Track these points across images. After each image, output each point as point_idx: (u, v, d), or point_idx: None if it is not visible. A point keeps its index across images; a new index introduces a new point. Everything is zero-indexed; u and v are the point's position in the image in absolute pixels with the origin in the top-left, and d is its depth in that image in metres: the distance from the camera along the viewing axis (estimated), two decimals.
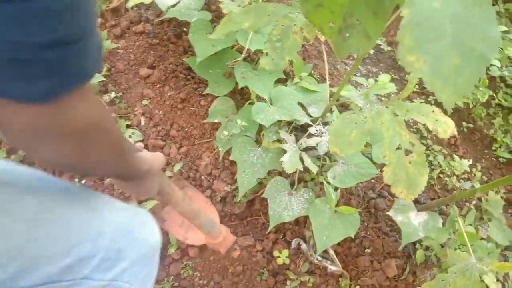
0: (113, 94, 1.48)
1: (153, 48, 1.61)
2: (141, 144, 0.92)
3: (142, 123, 1.48)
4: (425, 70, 0.41)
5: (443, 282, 1.12)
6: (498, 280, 1.43)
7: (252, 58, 1.57)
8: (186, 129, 1.49)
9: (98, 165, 0.56)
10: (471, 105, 1.94)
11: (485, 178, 1.83)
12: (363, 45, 0.51)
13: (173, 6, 1.50)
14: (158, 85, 1.54)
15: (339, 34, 0.54)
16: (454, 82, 0.41)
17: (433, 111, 1.01)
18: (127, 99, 1.50)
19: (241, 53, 1.43)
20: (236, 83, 1.40)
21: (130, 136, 1.42)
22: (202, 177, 1.45)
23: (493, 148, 1.93)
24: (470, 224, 1.38)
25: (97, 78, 1.44)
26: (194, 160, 1.46)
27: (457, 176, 1.75)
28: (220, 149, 1.39)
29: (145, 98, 1.51)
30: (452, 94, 0.42)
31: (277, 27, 0.90)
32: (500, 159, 1.91)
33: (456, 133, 1.00)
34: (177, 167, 1.42)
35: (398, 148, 0.97)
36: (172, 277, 1.39)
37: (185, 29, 1.68)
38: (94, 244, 0.62)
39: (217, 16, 1.58)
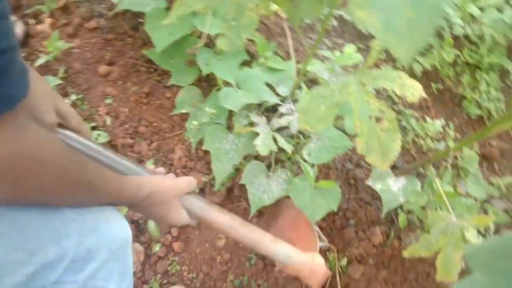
0: (73, 97, 1.42)
1: (110, 43, 1.54)
2: (160, 169, 0.83)
3: (108, 123, 1.43)
4: (378, 26, 0.39)
5: (426, 243, 1.14)
6: (480, 232, 1.47)
7: (213, 43, 1.52)
8: (155, 124, 1.44)
9: (46, 199, 0.53)
10: (438, 66, 1.95)
11: (458, 136, 1.86)
12: (315, 9, 0.48)
13: None
14: (120, 82, 1.48)
15: (291, 1, 0.51)
16: (409, 36, 0.39)
17: (399, 76, 0.99)
18: (89, 100, 1.44)
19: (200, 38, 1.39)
20: (200, 71, 1.36)
21: (96, 138, 1.37)
22: (178, 171, 1.41)
23: (464, 105, 1.96)
24: (448, 183, 1.40)
25: (54, 81, 1.38)
26: (166, 155, 1.42)
27: (431, 137, 1.77)
28: (191, 140, 1.36)
29: (108, 96, 1.45)
30: (407, 49, 0.40)
31: (232, 5, 0.86)
32: (471, 116, 1.94)
33: (424, 95, 1.00)
34: (149, 164, 1.38)
35: (368, 117, 0.96)
36: (159, 275, 1.37)
37: (141, 20, 1.61)
38: (60, 246, 0.60)
39: (173, 2, 1.52)
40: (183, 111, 1.38)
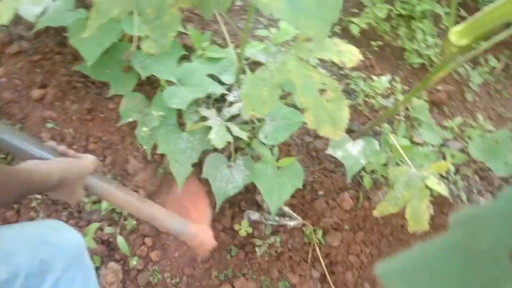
0: None
1: (37, 65, 1.45)
2: (62, 148, 0.90)
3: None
4: (283, 9, 0.38)
5: (392, 199, 1.17)
6: (442, 176, 1.53)
7: None
8: (104, 138, 1.39)
9: None
10: (374, 24, 1.98)
11: (406, 88, 1.90)
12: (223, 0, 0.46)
13: (42, 14, 1.35)
14: (58, 103, 1.41)
15: None
16: (317, 13, 0.38)
17: (334, 44, 1.00)
18: (28, 128, 1.36)
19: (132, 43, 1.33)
20: (139, 75, 1.32)
21: None
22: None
23: (405, 57, 2.00)
24: (404, 136, 1.44)
25: None
26: (123, 167, 1.38)
27: (381, 94, 1.80)
28: (145, 147, 1.32)
29: (48, 120, 1.38)
30: (319, 26, 0.39)
31: (150, 5, 0.83)
32: (414, 65, 1.99)
33: (361, 57, 1.01)
34: None
35: (312, 91, 0.96)
36: (142, 287, 1.35)
37: (66, 34, 1.53)
38: (9, 263, 0.62)
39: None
40: (131, 119, 1.33)
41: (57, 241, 0.74)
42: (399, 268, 0.17)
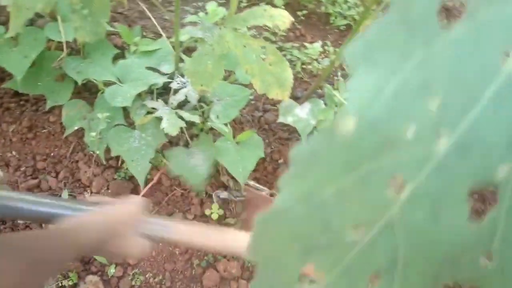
0: None
1: None
2: (100, 198, 0.72)
3: (1, 174, 1.29)
4: None
5: None
6: None
7: (77, 50, 1.42)
8: (52, 154, 1.33)
9: None
10: None
11: (337, 50, 1.99)
12: None
13: None
14: None
15: None
16: None
17: (265, 10, 1.03)
18: None
19: (62, 50, 1.28)
20: (76, 82, 1.27)
21: None
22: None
23: (331, 21, 2.09)
24: (345, 92, 1.52)
25: None
26: (78, 177, 1.33)
27: (316, 60, 1.87)
28: (97, 152, 1.29)
29: None
30: None
31: None
32: (341, 28, 2.08)
33: (293, 19, 1.05)
34: (65, 195, 1.29)
35: (254, 57, 0.99)
36: None
37: None
38: None
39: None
40: (76, 127, 1.28)
41: None
42: (362, 44, 0.19)
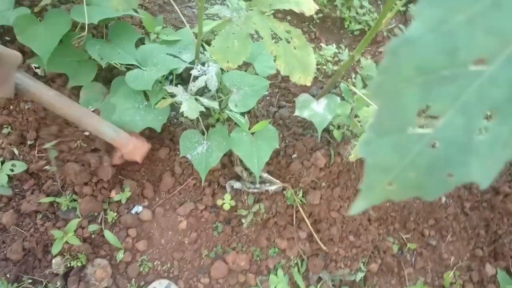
0: None
1: None
2: None
3: (16, 152, 1.29)
4: None
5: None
6: None
7: (101, 33, 1.42)
8: (66, 132, 1.33)
9: None
10: None
11: (351, 53, 2.01)
12: None
13: None
14: (12, 106, 1.33)
15: None
16: None
17: None
18: None
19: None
20: (98, 64, 1.28)
21: (12, 170, 1.23)
22: None
23: (346, 26, 2.11)
24: (362, 88, 1.52)
25: None
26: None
27: (330, 61, 1.89)
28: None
29: (5, 126, 1.30)
30: None
31: None
32: (355, 33, 2.10)
33: (317, 7, 1.06)
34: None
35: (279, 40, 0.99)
36: (133, 279, 1.31)
37: (7, 38, 1.45)
38: None
39: (36, 5, 1.38)
40: (91, 108, 1.28)
41: None
42: None
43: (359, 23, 2.10)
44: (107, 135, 1.18)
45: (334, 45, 1.97)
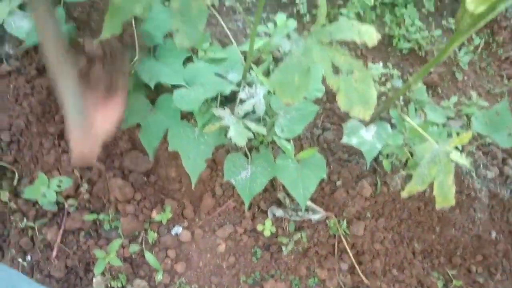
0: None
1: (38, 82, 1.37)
2: None
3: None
4: None
5: (420, 177, 1.17)
6: (458, 149, 1.55)
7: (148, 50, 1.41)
8: None
9: None
10: (361, 13, 2.00)
11: (399, 73, 1.93)
12: None
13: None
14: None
15: None
16: None
17: (353, 24, 0.99)
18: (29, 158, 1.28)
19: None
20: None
21: (59, 186, 1.23)
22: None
23: (394, 44, 2.03)
24: (414, 117, 1.45)
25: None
26: None
27: (378, 82, 1.82)
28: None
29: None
30: None
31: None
32: (403, 51, 2.02)
33: (379, 36, 1.00)
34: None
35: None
36: None
37: None
38: None
39: (82, 21, 1.38)
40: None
41: None
42: None
43: (409, 41, 2.01)
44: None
45: (381, 63, 1.89)
